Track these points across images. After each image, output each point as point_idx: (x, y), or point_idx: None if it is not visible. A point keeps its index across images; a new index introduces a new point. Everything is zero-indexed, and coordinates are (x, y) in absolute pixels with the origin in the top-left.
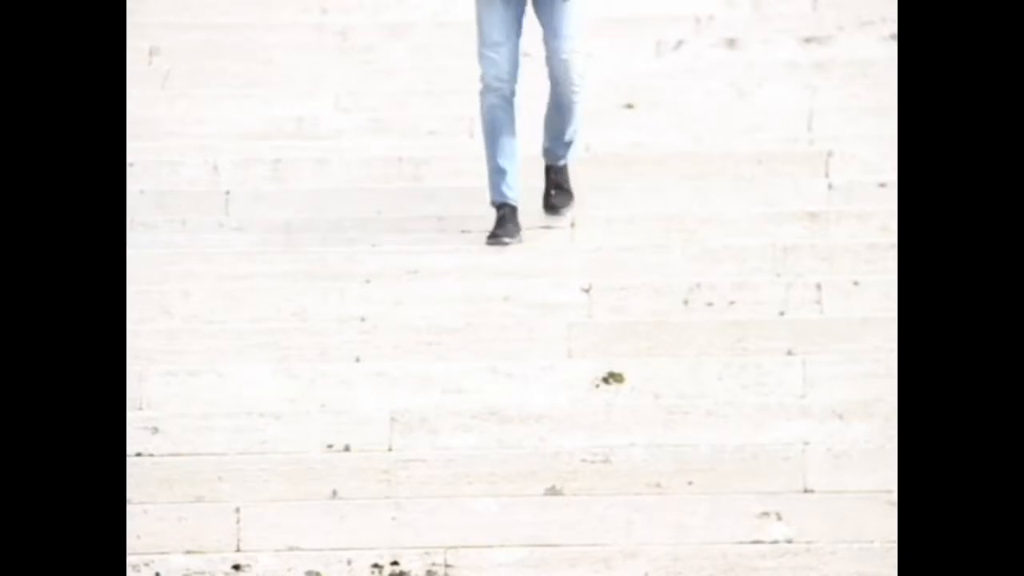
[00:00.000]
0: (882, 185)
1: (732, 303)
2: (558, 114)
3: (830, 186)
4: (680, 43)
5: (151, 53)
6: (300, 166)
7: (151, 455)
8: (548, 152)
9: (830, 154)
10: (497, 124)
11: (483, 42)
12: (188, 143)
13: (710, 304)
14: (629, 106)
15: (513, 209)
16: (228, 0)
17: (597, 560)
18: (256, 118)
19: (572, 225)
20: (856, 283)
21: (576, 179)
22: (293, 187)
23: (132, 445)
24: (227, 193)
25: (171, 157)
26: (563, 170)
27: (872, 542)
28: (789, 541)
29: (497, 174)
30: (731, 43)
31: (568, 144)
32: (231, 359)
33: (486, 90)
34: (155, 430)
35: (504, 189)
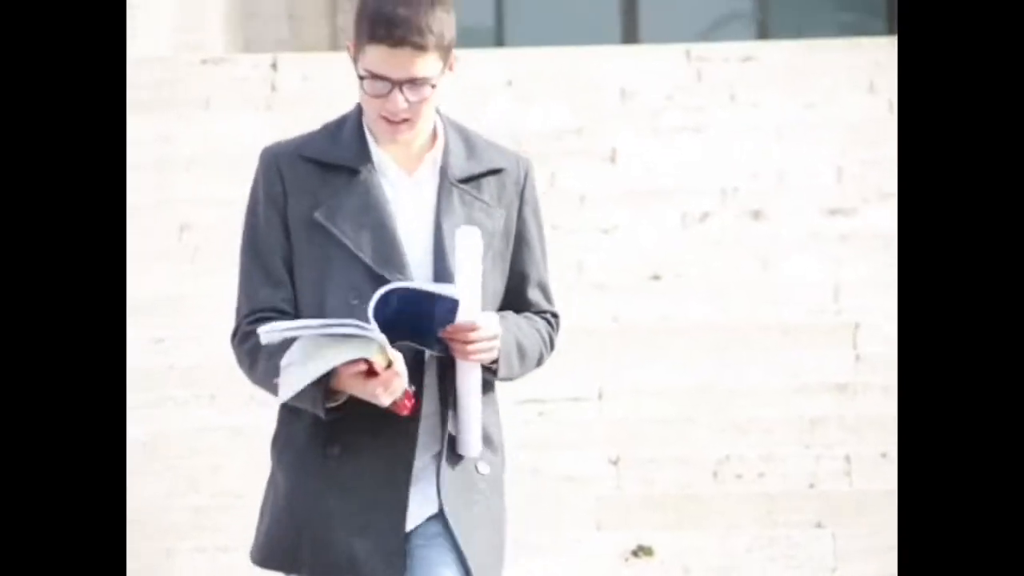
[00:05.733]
0: None
1: (761, 475)
2: None
3: (857, 357)
4: (706, 215)
5: (181, 229)
6: None
7: None
8: None
9: (857, 326)
10: None
11: None
12: (217, 318)
13: (739, 476)
14: (656, 277)
15: None
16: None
17: None
18: None
19: (599, 396)
20: (884, 455)
21: (604, 350)
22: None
23: None
24: None
25: (199, 332)
26: None
27: None
28: None
29: None
30: (756, 215)
31: None
32: None
33: None
34: None
35: None
